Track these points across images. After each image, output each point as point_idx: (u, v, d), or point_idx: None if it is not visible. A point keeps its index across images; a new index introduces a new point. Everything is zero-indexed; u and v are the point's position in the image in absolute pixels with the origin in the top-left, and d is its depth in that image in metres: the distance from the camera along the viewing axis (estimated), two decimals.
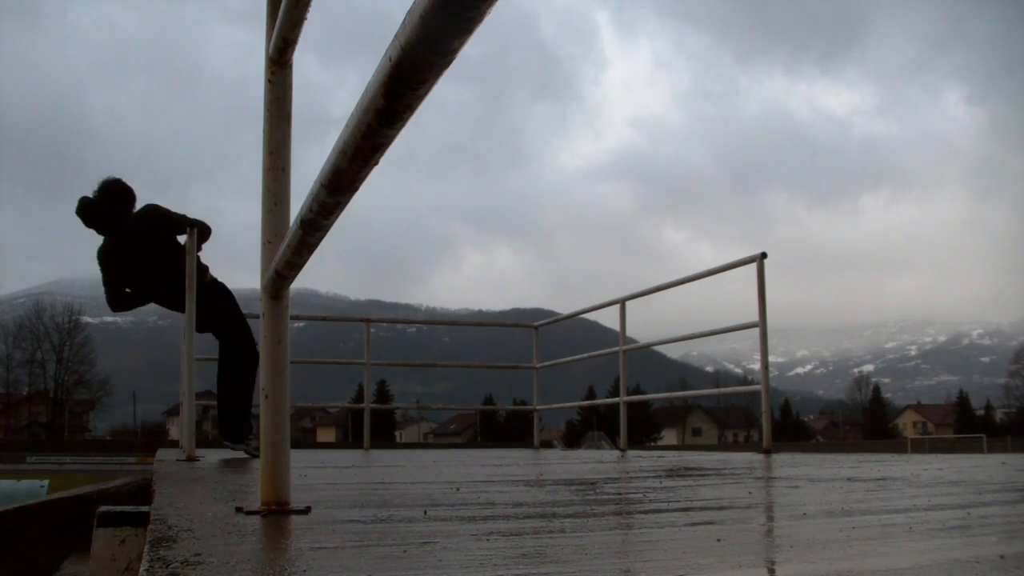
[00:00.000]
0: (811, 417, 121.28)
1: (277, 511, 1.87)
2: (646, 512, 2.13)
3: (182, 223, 5.05)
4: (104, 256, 5.18)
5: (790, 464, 4.56)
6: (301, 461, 4.49)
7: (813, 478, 3.35)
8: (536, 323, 9.17)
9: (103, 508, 2.96)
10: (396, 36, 0.82)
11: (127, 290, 5.29)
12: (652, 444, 75.44)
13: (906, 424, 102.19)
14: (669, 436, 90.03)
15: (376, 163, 1.10)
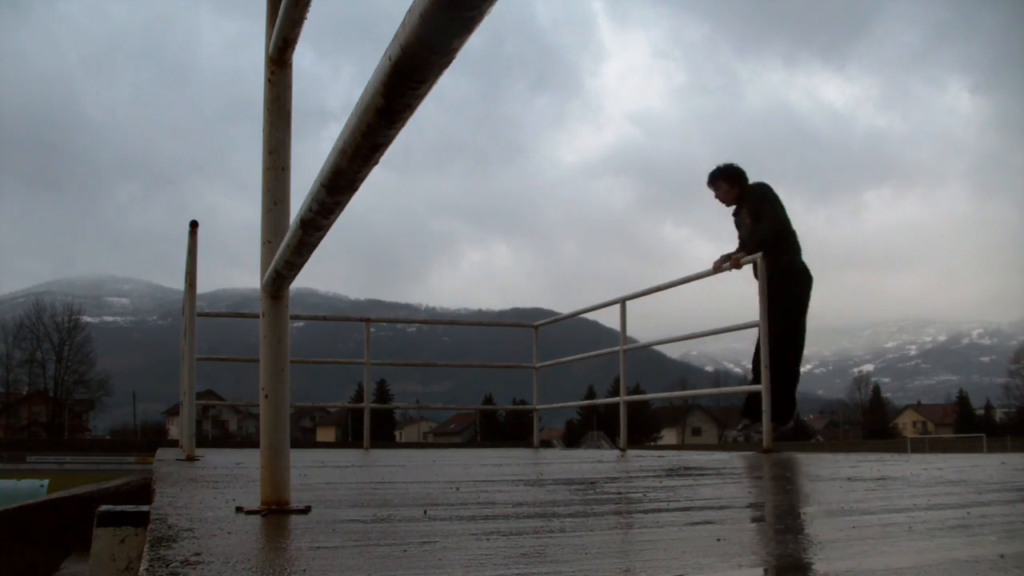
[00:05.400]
0: (811, 417, 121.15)
1: (277, 511, 1.87)
2: (646, 512, 2.13)
3: None
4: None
5: (790, 464, 4.56)
6: (301, 461, 4.49)
7: (813, 478, 3.35)
8: (536, 323, 9.17)
9: (103, 507, 2.95)
10: (396, 36, 0.82)
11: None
12: (652, 444, 75.44)
13: (906, 424, 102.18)
14: (669, 436, 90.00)
15: (376, 163, 1.10)
